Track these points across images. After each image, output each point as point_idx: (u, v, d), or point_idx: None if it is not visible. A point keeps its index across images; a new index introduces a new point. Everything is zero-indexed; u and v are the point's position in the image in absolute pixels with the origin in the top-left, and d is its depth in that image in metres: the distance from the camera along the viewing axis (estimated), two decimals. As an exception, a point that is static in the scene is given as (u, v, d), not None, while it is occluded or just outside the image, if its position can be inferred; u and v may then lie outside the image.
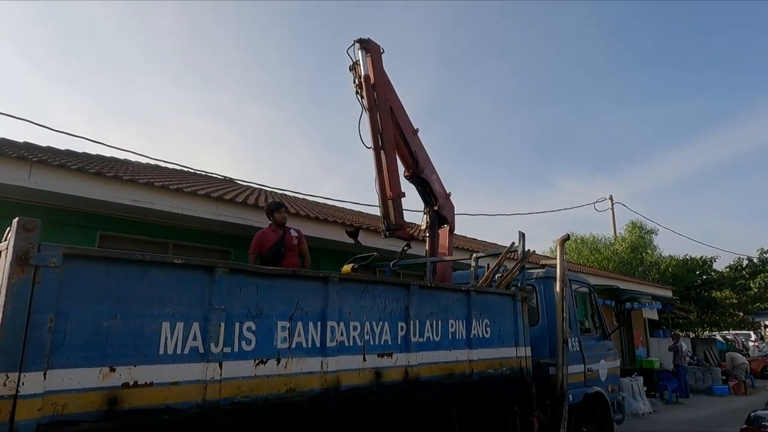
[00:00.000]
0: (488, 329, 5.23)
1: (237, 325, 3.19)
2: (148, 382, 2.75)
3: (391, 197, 6.41)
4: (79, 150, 8.27)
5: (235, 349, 3.16)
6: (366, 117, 6.50)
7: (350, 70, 6.80)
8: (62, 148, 7.63)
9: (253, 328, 3.27)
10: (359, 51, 6.66)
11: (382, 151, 6.34)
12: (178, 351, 2.90)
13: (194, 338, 2.98)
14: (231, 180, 11.40)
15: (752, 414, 4.67)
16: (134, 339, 2.74)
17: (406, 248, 7.20)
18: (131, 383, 2.69)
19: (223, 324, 3.10)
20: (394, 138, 6.65)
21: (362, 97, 6.50)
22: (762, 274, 29.67)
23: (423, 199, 7.59)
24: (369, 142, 6.44)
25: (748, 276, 29.46)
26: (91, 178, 5.96)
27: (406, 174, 7.20)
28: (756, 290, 28.95)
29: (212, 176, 11.08)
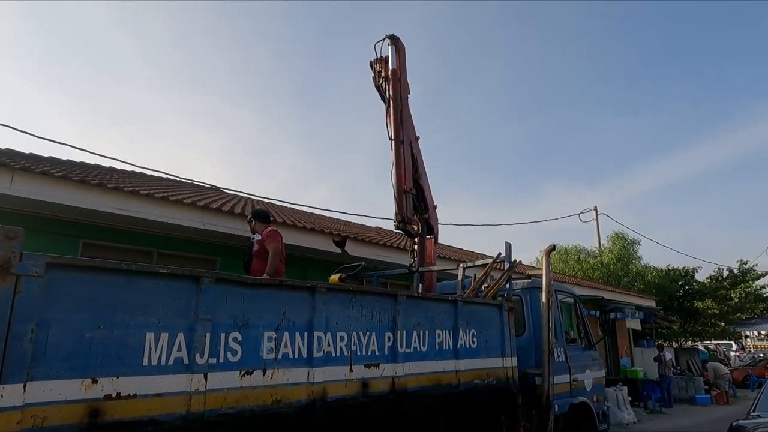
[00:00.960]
0: (475, 339, 5.24)
1: (223, 335, 3.17)
2: (131, 394, 2.71)
3: (406, 190, 6.61)
4: (63, 157, 8.16)
5: (221, 360, 3.13)
6: (386, 110, 6.85)
7: (372, 64, 7.06)
8: (45, 154, 7.52)
9: (239, 338, 3.25)
10: (389, 46, 6.95)
11: (402, 144, 6.63)
12: (163, 362, 2.86)
13: (179, 349, 2.94)
14: (217, 188, 11.32)
15: (734, 423, 4.73)
16: (118, 350, 2.70)
17: (415, 248, 7.31)
18: (114, 395, 2.64)
19: (208, 334, 3.07)
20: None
21: (389, 89, 6.79)
22: (742, 285, 30.15)
23: (413, 206, 7.60)
24: (392, 134, 6.73)
25: (728, 286, 29.91)
26: (75, 185, 5.88)
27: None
28: (737, 301, 29.41)
29: (198, 185, 10.99)
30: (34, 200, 5.64)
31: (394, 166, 6.59)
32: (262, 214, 6.19)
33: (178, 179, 10.49)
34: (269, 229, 5.72)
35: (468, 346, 5.12)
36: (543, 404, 5.94)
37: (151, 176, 9.90)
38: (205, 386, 3.01)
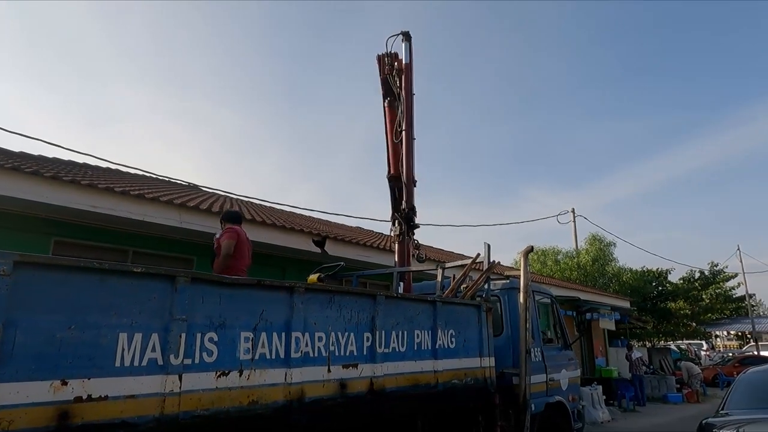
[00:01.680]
0: (453, 340, 5.26)
1: (198, 335, 3.11)
2: (103, 396, 2.64)
3: (415, 180, 6.88)
4: (35, 152, 7.95)
5: (196, 360, 3.08)
6: (388, 103, 7.28)
7: (381, 58, 7.31)
8: (16, 149, 7.31)
9: (216, 339, 3.20)
10: (402, 42, 7.25)
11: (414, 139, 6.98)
12: (136, 363, 2.80)
13: (153, 350, 2.88)
14: (196, 186, 11.16)
15: (703, 421, 4.84)
16: (89, 350, 2.64)
17: (417, 247, 7.44)
18: (84, 397, 2.58)
19: (184, 335, 3.01)
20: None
21: (402, 82, 7.07)
22: (713, 286, 30.98)
23: (395, 204, 7.62)
24: (403, 125, 7.06)
25: (700, 288, 30.71)
26: (47, 182, 5.73)
27: (392, 171, 7.41)
28: (707, 301, 30.20)
29: (176, 182, 10.81)
30: (4, 196, 5.48)
31: (404, 156, 6.79)
32: (230, 214, 5.98)
33: (155, 176, 10.30)
34: (228, 227, 5.56)
35: (446, 346, 5.14)
36: (520, 403, 6.00)
37: (127, 173, 9.72)
38: (180, 387, 2.96)
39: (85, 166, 8.77)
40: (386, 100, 7.57)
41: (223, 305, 3.28)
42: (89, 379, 2.61)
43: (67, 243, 6.53)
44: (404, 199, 6.77)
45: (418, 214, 7.51)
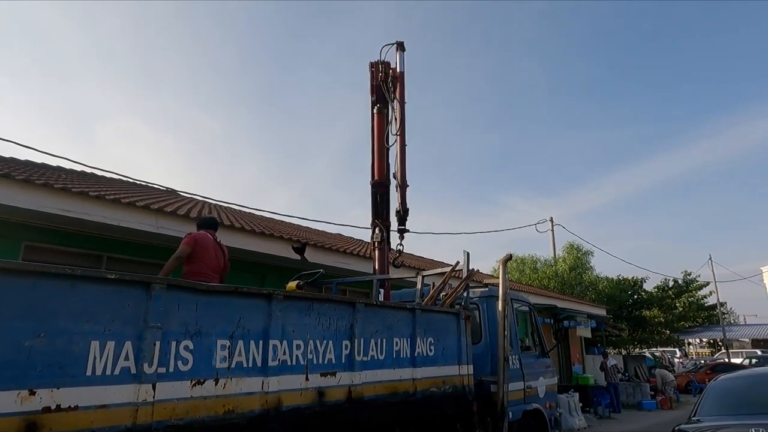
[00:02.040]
0: (432, 347, 5.27)
1: (174, 343, 3.06)
2: (72, 406, 2.57)
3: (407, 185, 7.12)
4: (6, 154, 7.75)
5: (171, 369, 3.02)
6: (377, 110, 7.50)
7: (374, 65, 7.53)
8: (-13, 152, 7.11)
9: (191, 347, 3.15)
10: (397, 52, 7.53)
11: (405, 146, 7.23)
12: (108, 372, 2.74)
13: (126, 358, 2.82)
14: (173, 191, 11.00)
15: (676, 428, 4.93)
16: (59, 359, 2.57)
17: (401, 249, 7.60)
18: (53, 407, 2.50)
19: (158, 343, 2.96)
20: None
21: (397, 89, 7.34)
22: (686, 295, 31.68)
23: (376, 211, 7.63)
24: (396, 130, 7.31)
25: (673, 296, 31.37)
26: (19, 185, 5.58)
27: (377, 177, 7.49)
28: (681, 309, 30.85)
29: (153, 187, 10.64)
30: (-28, 199, 5.31)
31: (399, 161, 7.01)
32: (201, 220, 6.03)
33: (131, 181, 10.13)
34: (187, 233, 5.57)
35: (425, 354, 5.15)
36: (498, 411, 6.03)
37: (103, 177, 9.53)
38: (154, 397, 2.90)
39: (59, 170, 8.58)
40: (375, 107, 7.69)
41: (200, 313, 3.23)
42: (59, 388, 2.54)
43: (39, 248, 6.36)
44: (399, 201, 6.99)
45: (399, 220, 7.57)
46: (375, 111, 7.71)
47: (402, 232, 7.39)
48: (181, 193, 11.05)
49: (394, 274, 7.79)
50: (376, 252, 7.52)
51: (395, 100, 7.33)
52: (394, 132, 7.21)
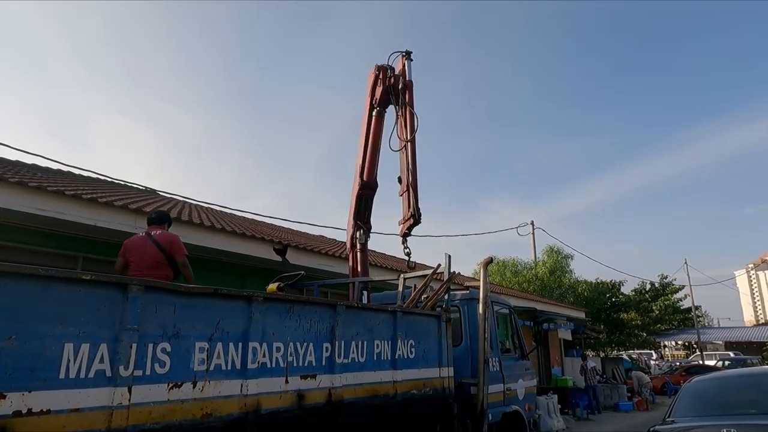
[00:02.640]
0: (413, 350, 5.28)
1: (150, 346, 3.01)
2: (45, 410, 2.51)
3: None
4: (-21, 152, 7.54)
5: (147, 372, 2.98)
6: (373, 113, 7.77)
7: (383, 70, 7.76)
8: (-42, 148, 6.92)
9: (169, 349, 3.10)
10: (406, 60, 7.73)
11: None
12: (82, 375, 2.68)
13: (101, 361, 2.77)
14: (153, 191, 10.83)
15: (651, 429, 5.02)
16: (31, 362, 2.51)
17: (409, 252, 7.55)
18: (24, 411, 2.44)
19: (134, 345, 2.91)
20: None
21: (407, 95, 7.53)
22: (662, 298, 32.30)
23: (360, 215, 7.61)
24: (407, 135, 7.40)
25: (650, 299, 31.96)
26: (-9, 183, 5.44)
27: (366, 178, 7.55)
28: (657, 312, 31.45)
29: (132, 186, 10.47)
30: (-58, 197, 5.16)
31: (411, 166, 7.18)
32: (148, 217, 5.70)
33: (109, 180, 9.96)
34: None
35: (406, 357, 5.16)
36: (477, 413, 6.06)
37: (80, 176, 9.34)
38: (129, 400, 2.85)
39: (34, 168, 8.38)
40: (375, 110, 7.77)
41: (178, 315, 3.19)
42: (30, 392, 2.48)
43: (11, 248, 6.20)
44: (410, 203, 7.11)
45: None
46: (374, 114, 7.78)
47: (406, 236, 7.43)
48: (161, 193, 10.90)
49: (375, 275, 7.78)
50: (359, 254, 7.50)
51: (405, 106, 7.46)
52: (405, 137, 7.34)
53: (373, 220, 7.81)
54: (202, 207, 11.38)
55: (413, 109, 7.51)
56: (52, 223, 6.10)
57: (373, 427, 4.63)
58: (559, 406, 13.79)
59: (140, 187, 10.60)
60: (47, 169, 8.77)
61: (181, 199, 11.04)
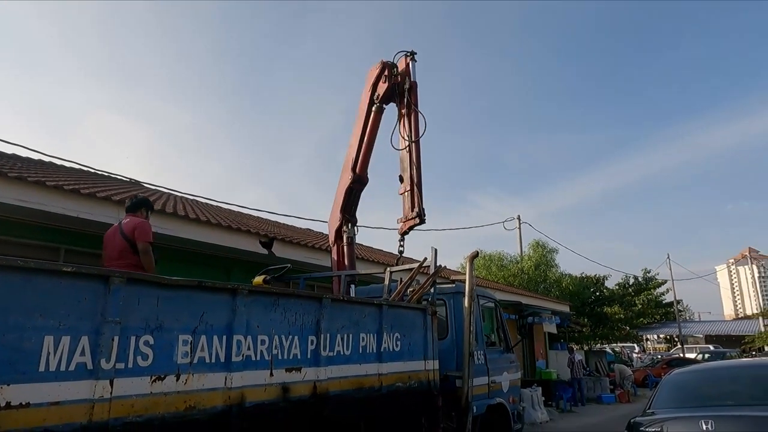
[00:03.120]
0: (399, 343, 5.30)
1: (133, 339, 2.98)
2: (24, 403, 2.48)
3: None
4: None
5: (130, 364, 2.95)
6: (371, 109, 7.70)
7: (388, 67, 7.67)
8: (-65, 137, 6.75)
9: (152, 342, 3.07)
10: (411, 61, 7.73)
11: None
12: (63, 368, 2.65)
13: (82, 353, 2.73)
14: (137, 183, 10.70)
15: (632, 420, 5.11)
16: (9, 355, 2.47)
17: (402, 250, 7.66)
18: (3, 404, 2.41)
19: (117, 338, 2.87)
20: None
21: (413, 96, 7.60)
22: (645, 292, 32.81)
23: (348, 209, 7.59)
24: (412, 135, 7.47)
25: (633, 293, 32.43)
26: (-30, 173, 5.33)
27: (359, 172, 7.54)
28: (640, 307, 31.95)
29: (117, 177, 10.33)
30: None
31: (416, 165, 7.24)
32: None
33: (93, 171, 9.81)
34: None
35: (392, 350, 5.17)
36: (462, 406, 6.11)
37: (63, 167, 9.19)
38: (111, 393, 2.82)
39: (14, 158, 8.23)
40: (374, 106, 7.71)
41: (161, 307, 3.16)
42: (9, 385, 2.44)
43: (-9, 239, 6.09)
44: (414, 203, 7.18)
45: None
46: (374, 109, 7.71)
47: (405, 234, 7.45)
48: (146, 185, 10.78)
49: (361, 269, 7.78)
50: (346, 248, 7.48)
51: (411, 107, 7.49)
52: (410, 137, 7.39)
53: (358, 214, 7.80)
54: (187, 199, 11.27)
55: (418, 109, 7.53)
56: (33, 215, 6.00)
57: (359, 419, 4.65)
58: (543, 398, 13.98)
59: (124, 179, 10.47)
60: (28, 160, 8.62)
61: (166, 191, 10.93)
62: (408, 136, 7.45)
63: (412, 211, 7.16)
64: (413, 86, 7.63)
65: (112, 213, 6.52)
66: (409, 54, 7.83)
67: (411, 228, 7.37)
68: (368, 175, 7.74)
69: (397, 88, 7.66)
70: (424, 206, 7.22)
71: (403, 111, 7.59)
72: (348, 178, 7.58)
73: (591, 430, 12.09)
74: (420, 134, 7.47)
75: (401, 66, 7.71)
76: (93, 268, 2.96)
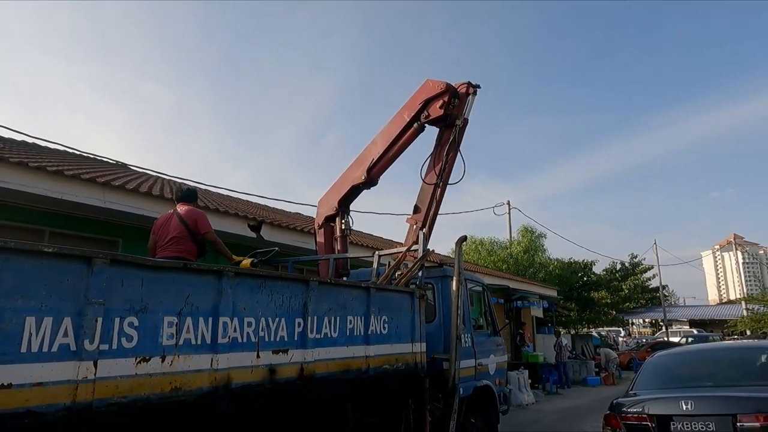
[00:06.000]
0: (386, 326, 5.33)
1: (117, 320, 2.96)
2: (6, 384, 2.46)
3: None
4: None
5: (114, 346, 2.93)
6: (418, 130, 7.17)
7: (448, 92, 6.89)
8: None
9: (136, 323, 3.05)
10: (471, 96, 7.07)
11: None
12: (45, 349, 2.62)
13: (65, 335, 2.71)
14: (124, 165, 10.57)
15: (614, 401, 5.21)
16: (-10, 336, 2.44)
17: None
18: (-16, 385, 2.39)
19: (100, 319, 2.85)
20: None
21: (461, 134, 7.04)
22: (632, 277, 33.26)
23: (346, 204, 7.51)
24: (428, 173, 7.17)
25: (620, 278, 32.88)
26: (-51, 153, 5.22)
27: (374, 175, 7.23)
28: (626, 291, 32.40)
29: (102, 160, 10.18)
30: None
31: (437, 203, 6.99)
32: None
33: (78, 153, 9.67)
34: None
35: (379, 332, 5.20)
36: (449, 388, 6.18)
37: (46, 148, 9.04)
38: (95, 374, 2.81)
39: (-3, 139, 8.07)
40: (417, 123, 7.15)
41: (146, 289, 3.14)
42: (-11, 366, 2.42)
43: (-27, 221, 6.00)
44: (422, 245, 6.60)
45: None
46: (416, 126, 7.15)
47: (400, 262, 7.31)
48: (133, 167, 10.65)
49: (350, 253, 7.78)
50: (339, 239, 7.44)
51: (455, 147, 7.02)
52: (442, 178, 6.99)
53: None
54: (175, 182, 11.16)
55: (460, 150, 7.06)
56: (16, 196, 5.91)
57: (346, 401, 4.69)
58: (530, 380, 14.21)
59: (110, 161, 10.34)
60: (10, 141, 8.46)
61: (154, 174, 10.81)
62: (439, 175, 7.01)
63: (420, 252, 6.50)
64: (464, 124, 7.11)
65: (97, 195, 6.45)
66: (473, 86, 7.15)
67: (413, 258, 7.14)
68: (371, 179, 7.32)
69: (449, 119, 7.09)
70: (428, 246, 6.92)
71: (445, 146, 7.08)
72: (360, 176, 7.23)
73: (576, 412, 12.33)
74: (455, 181, 7.12)
75: (461, 93, 7.06)
76: (74, 249, 2.92)
